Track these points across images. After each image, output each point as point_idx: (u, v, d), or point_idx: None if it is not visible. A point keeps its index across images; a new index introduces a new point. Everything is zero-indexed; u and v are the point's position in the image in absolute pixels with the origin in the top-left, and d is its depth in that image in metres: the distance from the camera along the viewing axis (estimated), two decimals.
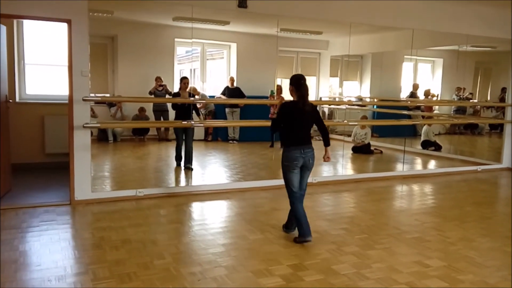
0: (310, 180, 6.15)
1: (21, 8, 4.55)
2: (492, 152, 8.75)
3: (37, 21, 5.52)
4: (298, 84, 3.84)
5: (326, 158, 4.11)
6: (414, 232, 4.31)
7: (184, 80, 6.35)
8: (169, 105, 7.35)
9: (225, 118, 7.95)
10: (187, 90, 6.39)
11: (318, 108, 8.93)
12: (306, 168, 3.95)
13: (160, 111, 7.25)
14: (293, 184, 3.91)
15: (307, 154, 3.88)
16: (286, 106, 3.94)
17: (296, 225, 3.95)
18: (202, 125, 6.09)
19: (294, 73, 4.08)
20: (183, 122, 5.92)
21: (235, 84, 8.11)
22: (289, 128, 3.88)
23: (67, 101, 4.85)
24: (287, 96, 4.30)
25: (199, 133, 7.64)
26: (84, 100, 4.75)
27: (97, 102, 6.37)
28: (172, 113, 6.65)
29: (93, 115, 5.30)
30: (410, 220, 4.73)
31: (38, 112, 6.60)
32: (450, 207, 5.36)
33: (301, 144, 3.86)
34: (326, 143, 4.07)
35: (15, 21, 6.35)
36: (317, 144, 4.19)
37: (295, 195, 3.93)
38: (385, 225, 4.56)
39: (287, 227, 4.17)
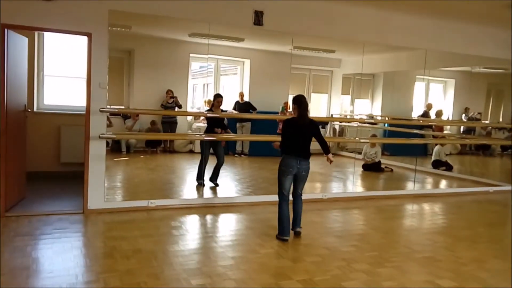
0: (320, 196, 6.23)
1: (44, 21, 4.71)
2: (504, 173, 8.66)
3: (58, 34, 5.68)
4: (299, 103, 4.42)
5: (329, 161, 4.47)
6: (425, 251, 4.28)
7: (217, 99, 6.33)
8: (179, 118, 7.51)
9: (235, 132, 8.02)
10: (220, 107, 6.36)
11: (329, 125, 9.03)
12: (299, 178, 4.44)
13: (169, 123, 7.37)
14: (284, 188, 4.43)
15: (302, 166, 4.37)
16: (287, 121, 4.50)
17: (278, 223, 4.42)
18: (214, 138, 6.14)
19: (305, 91, 4.42)
20: (204, 137, 6.05)
21: (245, 99, 8.21)
22: (289, 139, 4.43)
23: (83, 112, 4.97)
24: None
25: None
26: (101, 111, 4.86)
27: (112, 114, 6.49)
28: (180, 126, 6.71)
29: (109, 124, 5.40)
30: (421, 239, 4.69)
31: (55, 122, 6.76)
32: (462, 228, 5.30)
33: (298, 155, 4.37)
34: (326, 152, 4.48)
35: (36, 33, 6.55)
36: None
37: (283, 197, 4.44)
38: (396, 243, 4.54)
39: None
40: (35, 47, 6.66)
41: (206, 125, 6.66)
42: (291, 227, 4.47)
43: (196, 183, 6.37)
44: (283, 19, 5.83)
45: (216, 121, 6.29)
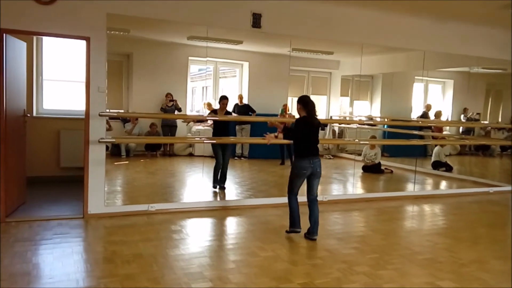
0: (320, 198, 6.21)
1: (42, 26, 4.71)
2: (504, 174, 8.67)
3: (57, 38, 5.69)
4: (305, 102, 4.47)
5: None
6: (426, 253, 4.28)
7: (223, 100, 6.33)
8: (179, 121, 7.52)
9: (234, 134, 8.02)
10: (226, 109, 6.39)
11: (328, 127, 9.02)
12: (315, 176, 4.50)
13: (169, 127, 7.37)
14: (294, 188, 4.52)
15: (315, 164, 4.45)
16: (300, 120, 4.50)
17: (289, 217, 4.55)
18: (214, 141, 6.14)
19: (304, 92, 4.45)
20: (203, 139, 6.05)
21: (244, 102, 8.21)
22: (302, 139, 4.45)
23: (83, 116, 4.97)
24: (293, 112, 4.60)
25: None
26: (100, 115, 4.86)
27: (112, 118, 6.50)
28: (180, 129, 6.68)
29: (109, 128, 5.40)
30: (422, 241, 4.69)
31: (54, 126, 6.75)
32: (462, 229, 5.31)
33: (311, 154, 4.45)
34: None
35: (34, 37, 6.55)
36: (326, 162, 4.33)
37: (292, 194, 4.54)
38: (397, 245, 4.53)
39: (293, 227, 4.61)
40: (33, 51, 6.66)
41: (205, 128, 6.67)
42: (308, 233, 4.53)
43: (214, 189, 6.43)
44: (281, 22, 5.84)
45: (223, 124, 6.29)
